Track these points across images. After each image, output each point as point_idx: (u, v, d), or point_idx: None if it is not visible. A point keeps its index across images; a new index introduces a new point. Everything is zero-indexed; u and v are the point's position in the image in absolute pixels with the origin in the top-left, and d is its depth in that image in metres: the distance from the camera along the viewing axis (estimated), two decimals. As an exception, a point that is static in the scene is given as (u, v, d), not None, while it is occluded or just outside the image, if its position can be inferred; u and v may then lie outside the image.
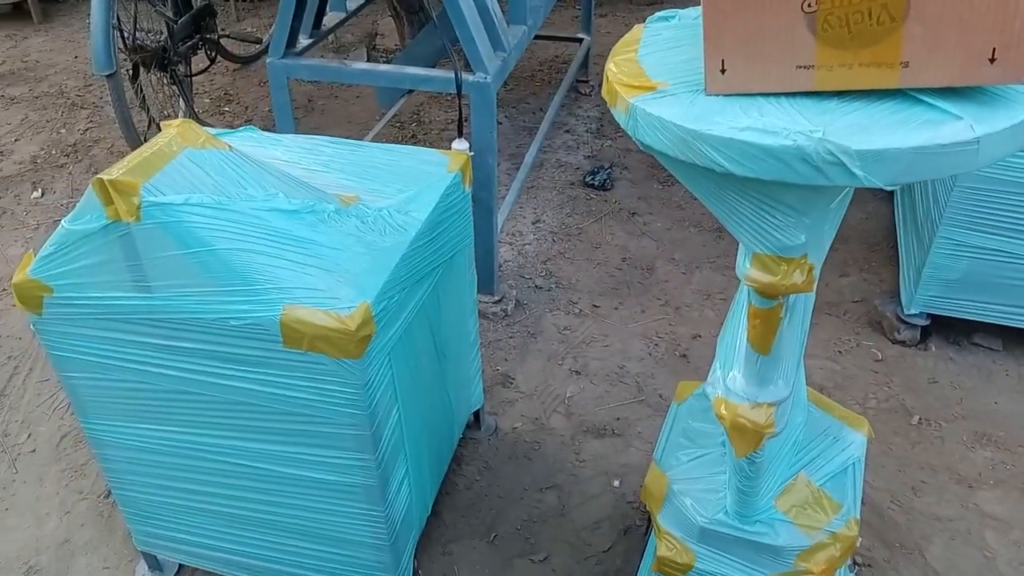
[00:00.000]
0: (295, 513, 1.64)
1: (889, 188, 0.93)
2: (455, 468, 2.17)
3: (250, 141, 1.79)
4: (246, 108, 4.19)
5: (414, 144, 3.58)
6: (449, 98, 4.29)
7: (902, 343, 2.55)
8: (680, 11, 1.30)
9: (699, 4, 1.01)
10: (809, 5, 0.95)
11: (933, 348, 2.54)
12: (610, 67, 1.15)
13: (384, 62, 4.64)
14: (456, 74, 2.18)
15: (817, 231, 1.10)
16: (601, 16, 5.10)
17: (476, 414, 2.24)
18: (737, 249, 1.22)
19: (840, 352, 2.53)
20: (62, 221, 1.39)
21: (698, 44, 1.13)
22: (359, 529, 1.63)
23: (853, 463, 1.50)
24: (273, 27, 4.84)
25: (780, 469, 1.44)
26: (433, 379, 1.82)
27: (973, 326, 2.53)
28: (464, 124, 2.35)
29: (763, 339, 1.21)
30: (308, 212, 1.47)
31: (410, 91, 3.68)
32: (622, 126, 1.10)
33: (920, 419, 2.30)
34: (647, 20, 1.29)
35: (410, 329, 1.60)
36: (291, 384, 1.44)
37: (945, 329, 2.56)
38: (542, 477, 2.16)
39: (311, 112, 4.15)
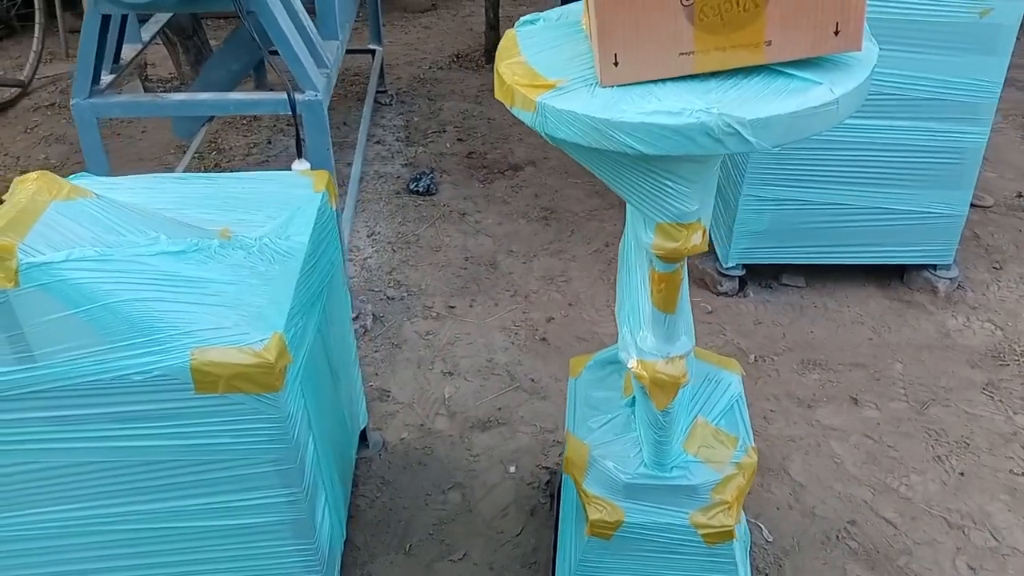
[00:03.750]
0: (221, 567, 1.56)
1: (775, 150, 1.09)
2: (353, 490, 2.15)
3: (93, 188, 1.67)
4: (17, 159, 3.79)
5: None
6: (246, 121, 4.14)
7: (725, 294, 2.85)
8: (541, 14, 1.40)
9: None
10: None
11: (751, 294, 2.86)
12: (502, 71, 1.22)
13: (161, 91, 4.39)
14: (289, 94, 2.15)
15: (705, 196, 1.25)
16: (380, 26, 5.12)
17: (362, 433, 2.23)
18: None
19: (678, 311, 2.78)
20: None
21: (575, 42, 1.24)
22: (290, 567, 1.59)
23: (736, 399, 1.69)
24: (28, 66, 4.41)
25: (682, 417, 1.59)
26: (332, 402, 1.80)
27: (779, 269, 2.89)
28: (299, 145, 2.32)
29: (668, 300, 1.34)
30: (194, 251, 1.41)
31: (210, 119, 3.53)
32: (527, 123, 1.18)
33: (755, 357, 2.60)
34: (516, 25, 1.37)
35: (311, 354, 1.58)
36: (206, 432, 1.38)
37: (757, 276, 2.89)
38: (441, 479, 2.20)
39: (95, 154, 3.82)
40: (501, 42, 1.32)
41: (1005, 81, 2.46)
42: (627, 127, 1.07)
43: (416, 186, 3.44)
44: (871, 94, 2.43)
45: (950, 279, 2.78)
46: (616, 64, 1.13)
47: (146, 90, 4.49)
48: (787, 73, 1.13)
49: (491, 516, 2.10)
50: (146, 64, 4.75)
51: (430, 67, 4.71)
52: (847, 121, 2.47)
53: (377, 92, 4.22)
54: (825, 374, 2.52)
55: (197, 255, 1.41)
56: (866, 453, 2.25)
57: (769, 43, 1.11)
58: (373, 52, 4.16)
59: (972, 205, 3.15)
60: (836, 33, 1.11)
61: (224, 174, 1.85)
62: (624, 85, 1.14)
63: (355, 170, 3.12)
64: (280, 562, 1.58)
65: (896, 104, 2.47)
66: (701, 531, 1.55)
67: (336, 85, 4.56)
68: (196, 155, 3.81)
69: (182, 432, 1.37)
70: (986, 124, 2.51)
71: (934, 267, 2.79)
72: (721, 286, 2.85)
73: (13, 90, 4.23)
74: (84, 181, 1.70)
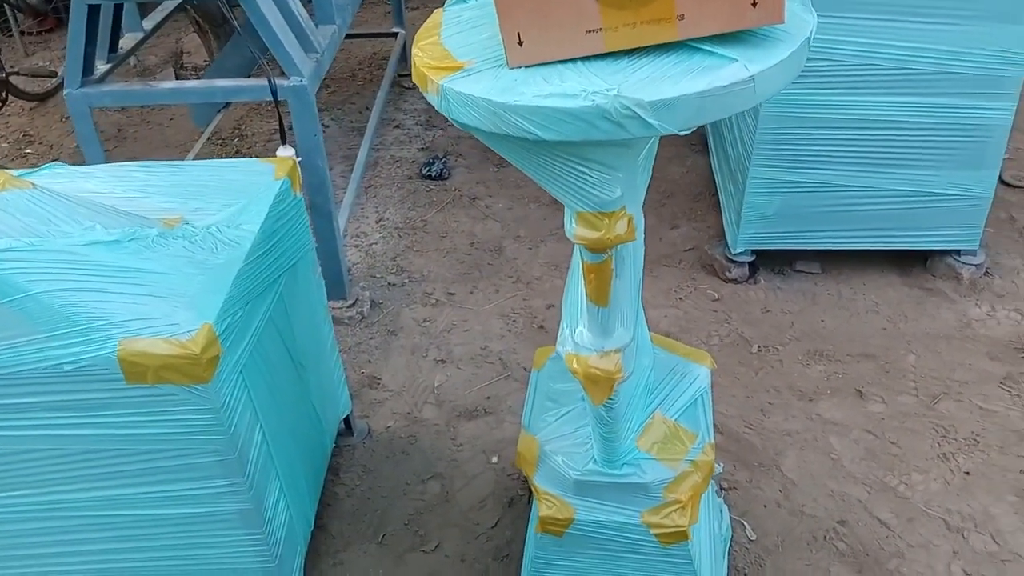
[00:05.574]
0: (171, 555, 1.58)
1: (684, 133, 1.01)
2: (334, 478, 2.15)
3: (58, 178, 1.69)
4: (51, 147, 3.91)
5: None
6: (270, 107, 4.17)
7: (734, 281, 2.74)
8: (476, -9, 1.34)
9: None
10: (587, -28, 1.01)
11: (762, 281, 2.74)
12: (416, 52, 1.17)
13: (194, 79, 4.46)
14: (269, 80, 2.14)
15: (631, 183, 1.18)
16: (414, 9, 5.09)
17: (347, 420, 2.22)
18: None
19: (681, 298, 2.69)
20: None
21: (496, 21, 1.17)
22: (242, 556, 1.59)
23: (701, 394, 1.61)
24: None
25: (636, 412, 1.52)
26: (294, 391, 1.79)
27: (794, 255, 2.76)
28: (289, 131, 2.31)
29: (599, 292, 1.28)
30: (130, 240, 1.41)
31: (226, 105, 3.56)
32: (436, 108, 1.13)
33: (759, 347, 2.49)
34: (446, 3, 1.32)
35: (260, 344, 1.57)
36: (142, 422, 1.38)
37: (769, 261, 2.77)
38: (422, 468, 2.18)
39: (123, 141, 3.93)
40: (426, 22, 1.27)
41: (1032, 53, 2.28)
42: (523, 111, 1.01)
43: (428, 171, 3.41)
44: (885, 69, 2.32)
45: (975, 265, 2.61)
46: (520, 44, 1.07)
47: (179, 78, 4.58)
48: (704, 50, 1.05)
49: (468, 507, 2.07)
50: (181, 52, 4.84)
51: (457, 49, 4.66)
52: (861, 99, 2.38)
53: (401, 76, 4.20)
54: (831, 365, 2.40)
55: (133, 245, 1.41)
56: (866, 449, 2.14)
57: (682, 17, 1.04)
58: (396, 35, 4.13)
59: (1007, 185, 2.97)
60: (754, 5, 1.02)
61: (192, 162, 1.86)
62: (533, 66, 1.08)
63: (361, 156, 3.11)
64: (231, 551, 1.58)
65: (912, 79, 2.32)
66: (654, 531, 1.49)
67: (363, 70, 4.58)
68: (219, 141, 3.87)
69: (119, 421, 1.38)
70: (1012, 99, 2.34)
71: (958, 253, 2.63)
72: (730, 272, 2.74)
73: (52, 80, 4.36)
74: (51, 171, 1.72)
